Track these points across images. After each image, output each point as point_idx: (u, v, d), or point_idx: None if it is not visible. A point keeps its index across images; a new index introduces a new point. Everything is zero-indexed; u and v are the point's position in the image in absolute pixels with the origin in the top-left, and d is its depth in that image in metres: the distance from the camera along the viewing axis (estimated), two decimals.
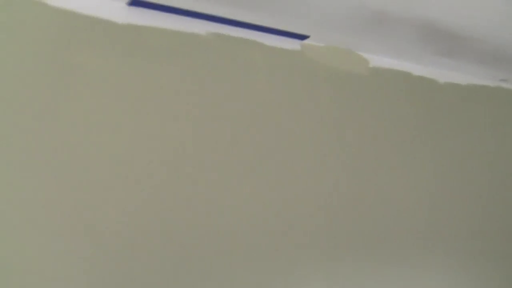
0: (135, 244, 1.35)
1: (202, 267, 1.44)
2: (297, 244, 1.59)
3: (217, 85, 1.56)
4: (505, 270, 1.94)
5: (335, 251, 1.65)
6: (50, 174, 1.27)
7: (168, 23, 1.50)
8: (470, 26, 1.65)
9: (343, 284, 1.64)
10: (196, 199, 1.46)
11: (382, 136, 1.83)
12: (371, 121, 1.82)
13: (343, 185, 1.71)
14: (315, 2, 1.45)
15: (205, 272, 1.44)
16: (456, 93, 2.04)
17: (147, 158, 1.41)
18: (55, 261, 1.24)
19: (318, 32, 1.67)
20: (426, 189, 1.89)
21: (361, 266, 1.68)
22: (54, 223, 1.26)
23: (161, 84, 1.46)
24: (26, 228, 1.22)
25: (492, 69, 2.01)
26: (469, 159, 2.02)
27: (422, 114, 1.94)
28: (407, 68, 1.96)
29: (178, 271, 1.40)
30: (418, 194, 1.87)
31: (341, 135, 1.75)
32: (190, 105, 1.50)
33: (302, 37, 1.68)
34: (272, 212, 1.58)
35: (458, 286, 1.84)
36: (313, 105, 1.70)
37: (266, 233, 1.56)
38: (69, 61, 1.32)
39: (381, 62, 1.90)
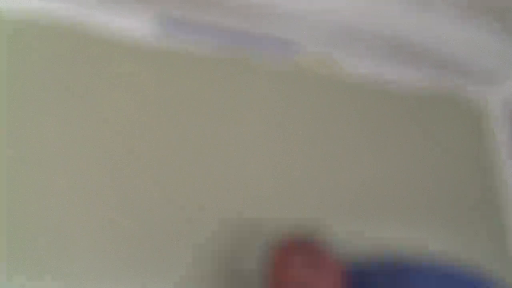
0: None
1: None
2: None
3: (228, 86, 1.65)
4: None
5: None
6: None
7: (189, 39, 1.60)
8: (425, 40, 1.84)
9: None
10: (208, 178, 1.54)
11: (362, 126, 1.91)
12: (351, 114, 1.92)
13: (329, 171, 1.80)
14: (306, 22, 1.62)
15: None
16: (418, 93, 2.14)
17: (163, 155, 1.47)
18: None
19: (307, 45, 1.81)
20: (401, 169, 1.98)
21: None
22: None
23: (183, 89, 1.55)
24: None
25: (443, 75, 2.16)
26: (427, 139, 2.10)
27: (391, 108, 2.02)
28: (380, 73, 2.06)
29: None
30: (395, 174, 1.96)
31: (327, 127, 1.84)
32: (207, 107, 1.58)
33: (294, 49, 1.81)
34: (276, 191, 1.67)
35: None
36: (303, 103, 1.80)
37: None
38: (108, 72, 1.43)
39: (357, 68, 2.01)
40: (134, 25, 1.51)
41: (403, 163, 2.02)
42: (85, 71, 1.40)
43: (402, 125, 2.06)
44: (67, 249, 1.26)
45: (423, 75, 2.18)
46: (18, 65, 1.31)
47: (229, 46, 1.71)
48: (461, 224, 2.11)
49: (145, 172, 1.43)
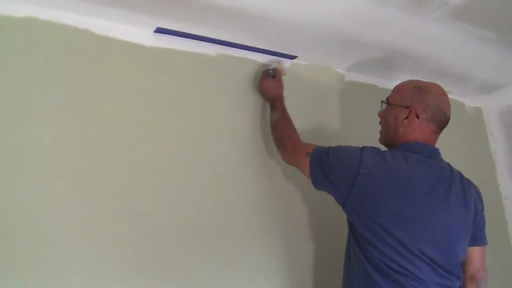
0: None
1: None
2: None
3: (223, 94, 1.66)
4: None
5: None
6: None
7: (185, 46, 1.61)
8: (421, 49, 1.85)
9: None
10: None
11: (356, 135, 1.93)
12: (347, 122, 1.97)
13: None
14: (302, 30, 1.61)
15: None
16: None
17: (165, 155, 1.48)
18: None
19: (304, 53, 1.83)
20: None
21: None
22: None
23: (179, 92, 1.56)
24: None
25: (440, 83, 1.95)
26: None
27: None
28: (374, 82, 2.12)
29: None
30: None
31: (320, 132, 1.87)
32: (201, 109, 1.59)
33: (292, 57, 1.84)
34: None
35: None
36: (301, 111, 1.81)
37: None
38: (108, 76, 1.43)
39: (353, 77, 2.06)
40: (135, 32, 1.52)
41: None
42: (85, 73, 1.40)
43: None
44: (65, 249, 1.26)
45: None
46: (21, 64, 1.31)
47: (238, 53, 1.73)
48: None
49: (144, 173, 1.44)
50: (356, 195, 1.31)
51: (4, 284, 1.17)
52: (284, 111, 1.67)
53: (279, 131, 1.61)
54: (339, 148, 1.42)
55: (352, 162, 1.33)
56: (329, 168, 1.38)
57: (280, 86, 1.72)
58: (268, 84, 1.70)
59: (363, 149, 1.38)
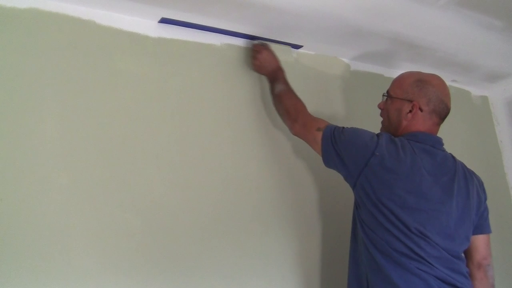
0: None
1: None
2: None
3: (229, 83, 1.65)
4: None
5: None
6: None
7: (190, 36, 1.60)
8: (427, 38, 1.84)
9: None
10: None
11: (362, 124, 1.77)
12: (353, 112, 1.96)
13: None
14: (307, 20, 1.60)
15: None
16: None
17: (172, 148, 1.47)
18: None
19: (310, 42, 1.82)
20: None
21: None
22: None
23: (183, 83, 1.55)
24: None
25: (445, 72, 2.16)
26: None
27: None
28: (379, 71, 2.11)
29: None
30: None
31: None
32: (206, 99, 1.58)
33: (297, 46, 1.83)
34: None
35: None
36: (306, 100, 1.72)
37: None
38: (112, 67, 1.42)
39: (359, 66, 2.05)
40: (139, 23, 1.51)
41: None
42: (88, 64, 1.39)
43: None
44: (68, 245, 1.25)
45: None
46: (24, 56, 1.30)
47: (244, 43, 1.73)
48: None
49: (149, 166, 1.43)
50: (368, 175, 1.33)
51: (5, 282, 1.16)
52: (287, 82, 1.64)
53: (287, 102, 1.58)
54: (355, 128, 1.43)
55: (369, 143, 1.35)
56: (342, 146, 1.39)
57: (275, 56, 1.69)
58: (266, 56, 1.66)
59: (379, 133, 1.41)
